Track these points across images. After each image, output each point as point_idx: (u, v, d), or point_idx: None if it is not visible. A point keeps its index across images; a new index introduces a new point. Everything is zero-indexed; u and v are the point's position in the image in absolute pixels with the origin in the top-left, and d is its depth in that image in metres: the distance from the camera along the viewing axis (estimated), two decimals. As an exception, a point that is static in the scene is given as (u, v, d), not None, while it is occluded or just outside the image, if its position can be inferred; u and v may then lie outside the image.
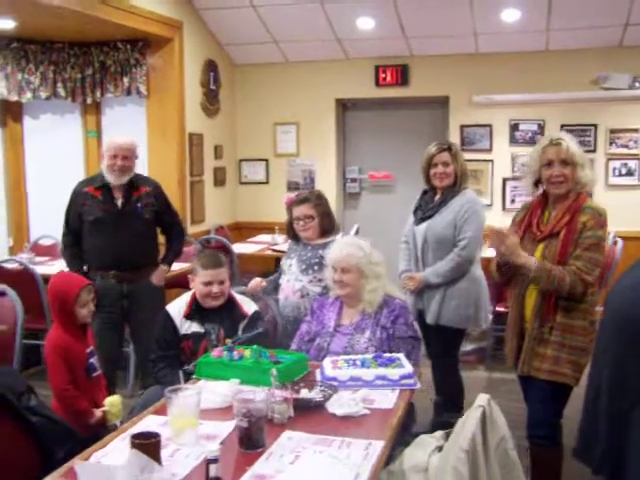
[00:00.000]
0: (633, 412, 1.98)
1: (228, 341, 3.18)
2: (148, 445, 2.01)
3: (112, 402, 3.28)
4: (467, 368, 5.56)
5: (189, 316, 3.48)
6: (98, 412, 3.25)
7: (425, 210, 4.11)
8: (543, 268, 3.05)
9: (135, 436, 2.07)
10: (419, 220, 4.12)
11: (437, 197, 4.10)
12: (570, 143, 3.18)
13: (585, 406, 2.21)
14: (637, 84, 6.72)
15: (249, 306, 3.59)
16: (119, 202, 4.34)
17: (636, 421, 1.96)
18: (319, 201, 4.05)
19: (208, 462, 1.74)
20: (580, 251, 3.06)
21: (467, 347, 5.88)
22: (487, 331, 5.75)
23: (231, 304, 3.54)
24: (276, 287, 4.08)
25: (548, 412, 3.19)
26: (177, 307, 3.53)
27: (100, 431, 3.02)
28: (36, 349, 5.28)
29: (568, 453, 3.08)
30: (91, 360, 3.38)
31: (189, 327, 3.47)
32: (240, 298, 3.62)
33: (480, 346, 5.92)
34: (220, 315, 3.49)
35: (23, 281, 5.06)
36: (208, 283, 3.46)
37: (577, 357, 3.10)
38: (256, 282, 4.08)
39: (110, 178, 4.31)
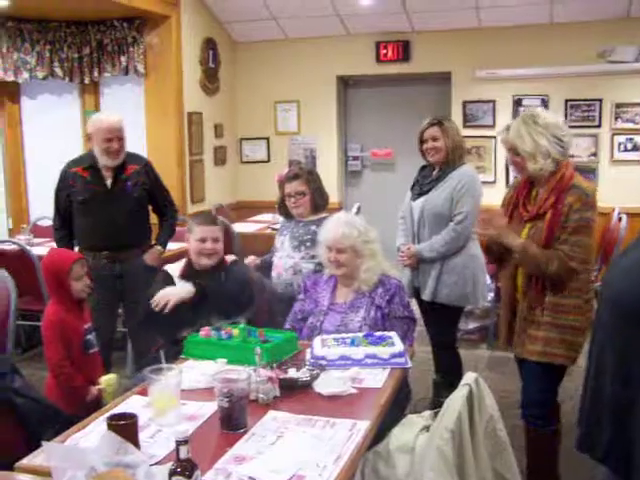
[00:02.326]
0: (638, 400, 1.91)
1: None
2: (123, 426, 1.97)
3: (108, 380, 3.24)
4: (470, 346, 5.52)
5: (185, 276, 3.46)
6: (94, 390, 3.22)
7: (422, 185, 4.05)
8: (527, 253, 2.96)
9: (111, 417, 2.03)
10: (416, 195, 4.06)
11: (434, 173, 4.03)
12: (516, 132, 3.01)
13: (586, 395, 2.14)
14: (644, 57, 6.61)
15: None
16: (108, 182, 4.27)
17: None
18: (310, 177, 4.00)
19: (178, 443, 1.69)
20: (566, 235, 2.94)
21: (470, 325, 5.83)
22: (490, 309, 5.70)
23: (226, 267, 3.52)
24: (270, 266, 4.03)
25: (541, 392, 3.11)
26: (174, 267, 3.55)
27: (95, 410, 2.99)
28: (35, 331, 5.26)
29: (566, 433, 3.06)
30: (88, 337, 3.36)
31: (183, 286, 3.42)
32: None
33: (483, 324, 5.85)
34: (215, 276, 3.45)
35: (20, 262, 5.04)
36: (202, 240, 3.45)
37: (571, 336, 3.00)
38: (249, 260, 4.05)
39: (105, 161, 4.22)
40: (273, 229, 6.21)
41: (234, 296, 3.33)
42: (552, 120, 3.05)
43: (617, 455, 1.99)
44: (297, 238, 3.90)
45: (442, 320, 4.12)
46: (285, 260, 3.90)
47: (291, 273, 3.86)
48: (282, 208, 4.11)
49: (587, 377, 2.14)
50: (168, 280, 3.48)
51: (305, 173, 4.02)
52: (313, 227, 3.84)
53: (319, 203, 4.00)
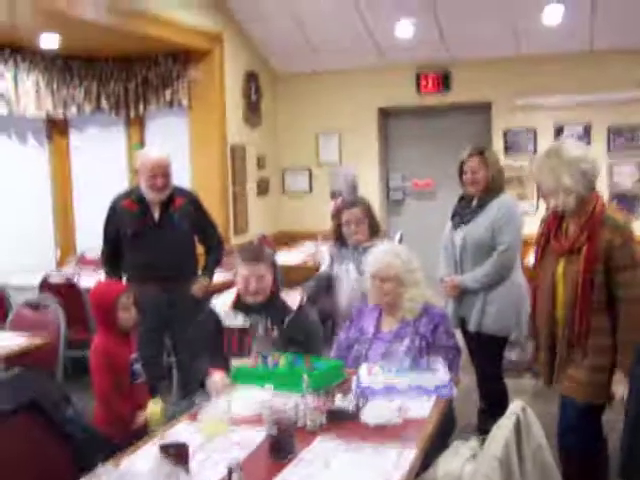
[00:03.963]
0: None
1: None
2: (175, 453, 2.00)
3: (155, 408, 3.27)
4: (513, 375, 5.45)
5: (235, 307, 3.44)
6: (140, 417, 3.25)
7: (463, 215, 4.06)
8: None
9: (163, 446, 2.07)
10: (457, 225, 4.08)
11: (474, 202, 4.04)
12: (538, 167, 2.99)
13: (628, 426, 2.14)
14: (685, 84, 6.56)
15: (293, 300, 3.53)
16: (156, 215, 4.34)
17: None
18: (367, 205, 4.16)
19: (230, 470, 1.72)
20: (622, 275, 2.84)
21: (514, 355, 5.76)
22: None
23: (275, 297, 3.48)
24: (316, 293, 4.06)
25: (582, 424, 3.03)
26: (222, 300, 3.52)
27: (142, 437, 3.02)
28: (81, 361, 5.33)
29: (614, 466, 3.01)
30: (135, 366, 3.40)
31: (234, 319, 3.41)
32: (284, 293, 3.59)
33: (526, 353, 5.78)
34: (264, 308, 3.42)
35: (68, 293, 5.16)
36: (246, 278, 3.40)
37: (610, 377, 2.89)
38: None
39: (151, 196, 4.30)
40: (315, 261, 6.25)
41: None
42: (577, 153, 2.95)
43: None
44: (362, 264, 3.93)
45: (487, 350, 4.10)
46: (356, 287, 3.96)
47: (360, 298, 3.87)
48: (338, 235, 4.18)
49: (628, 408, 2.14)
50: (211, 315, 3.48)
51: (362, 201, 4.18)
52: None
53: (375, 230, 4.10)
